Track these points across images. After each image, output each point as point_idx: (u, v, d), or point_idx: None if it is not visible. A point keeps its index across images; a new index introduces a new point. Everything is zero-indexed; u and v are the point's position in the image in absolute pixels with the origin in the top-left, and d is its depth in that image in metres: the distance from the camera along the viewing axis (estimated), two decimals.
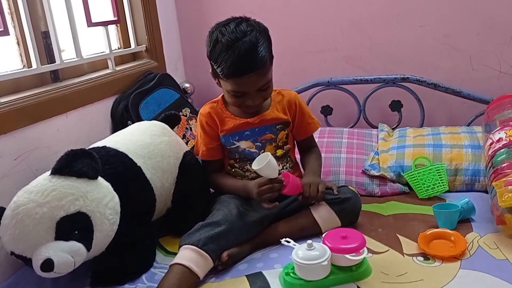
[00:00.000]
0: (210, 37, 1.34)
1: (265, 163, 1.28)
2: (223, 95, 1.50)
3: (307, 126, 1.53)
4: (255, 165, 1.31)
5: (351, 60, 2.14)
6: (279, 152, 1.49)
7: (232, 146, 1.47)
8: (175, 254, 1.34)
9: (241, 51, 1.28)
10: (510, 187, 1.24)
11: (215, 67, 1.34)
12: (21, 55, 1.52)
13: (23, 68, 1.53)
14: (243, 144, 1.46)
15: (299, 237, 1.30)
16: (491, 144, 1.45)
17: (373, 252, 1.26)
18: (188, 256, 1.18)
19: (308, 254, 1.11)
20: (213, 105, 1.50)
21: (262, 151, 1.46)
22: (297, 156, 1.60)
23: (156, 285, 1.18)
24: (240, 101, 1.38)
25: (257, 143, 1.46)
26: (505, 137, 1.41)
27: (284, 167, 1.51)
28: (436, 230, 1.31)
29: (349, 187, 1.47)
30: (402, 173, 1.63)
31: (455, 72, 2.01)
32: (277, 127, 1.47)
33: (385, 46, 2.08)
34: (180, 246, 1.22)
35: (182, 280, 1.14)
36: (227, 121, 1.46)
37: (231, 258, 1.25)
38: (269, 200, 1.33)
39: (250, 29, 1.31)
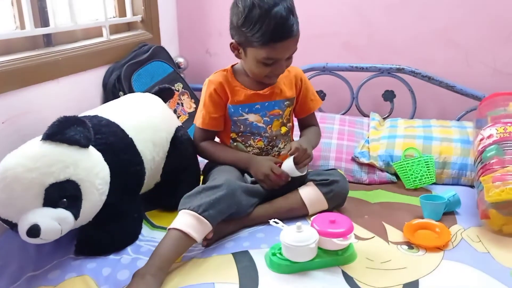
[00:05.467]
0: (242, 3, 1.30)
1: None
2: (232, 66, 1.49)
3: (310, 103, 1.55)
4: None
5: (348, 46, 2.14)
6: (283, 129, 1.51)
7: (240, 118, 1.46)
8: (162, 228, 1.36)
9: (282, 15, 1.26)
10: (497, 183, 1.26)
11: (248, 35, 1.30)
12: (14, 17, 1.48)
13: (15, 29, 1.49)
14: (252, 117, 1.46)
15: (286, 218, 1.32)
16: (481, 139, 1.47)
17: (359, 238, 1.27)
18: (188, 221, 1.16)
19: (296, 236, 1.12)
20: (224, 73, 1.47)
21: (269, 126, 1.47)
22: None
23: (141, 257, 1.20)
24: (268, 70, 1.37)
25: (265, 118, 1.46)
26: (496, 133, 1.42)
27: (285, 147, 1.51)
28: (421, 220, 1.33)
29: (338, 170, 1.48)
30: (391, 163, 1.65)
31: (450, 66, 2.02)
32: (285, 103, 1.48)
33: (383, 35, 2.08)
34: (179, 209, 1.21)
35: (179, 245, 1.14)
36: (237, 91, 1.44)
37: (216, 234, 1.25)
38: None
39: None
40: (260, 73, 1.39)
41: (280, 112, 1.48)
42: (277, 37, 1.28)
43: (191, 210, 1.18)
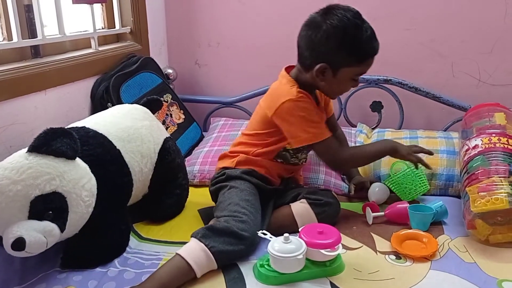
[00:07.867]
0: (334, 25, 1.30)
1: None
2: (292, 79, 1.42)
3: (331, 105, 1.63)
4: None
5: None
6: None
7: None
8: (149, 240, 1.35)
9: (371, 28, 1.33)
10: (482, 193, 1.27)
11: (350, 54, 1.31)
12: (1, 28, 1.47)
13: (3, 40, 1.48)
14: None
15: (275, 234, 1.30)
16: (467, 150, 1.48)
17: (347, 248, 1.28)
18: (199, 259, 1.14)
19: (284, 247, 1.12)
20: (297, 87, 1.39)
21: None
22: None
23: (128, 269, 1.19)
24: (352, 85, 1.41)
25: None
26: (481, 144, 1.44)
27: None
28: (409, 230, 1.34)
29: (332, 192, 1.48)
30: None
31: (436, 77, 2.05)
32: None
33: None
34: (196, 236, 1.18)
35: (182, 278, 1.12)
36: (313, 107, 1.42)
37: None
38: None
39: (353, 9, 1.34)
40: (345, 90, 1.44)
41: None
42: (375, 50, 1.35)
43: (209, 249, 1.15)
